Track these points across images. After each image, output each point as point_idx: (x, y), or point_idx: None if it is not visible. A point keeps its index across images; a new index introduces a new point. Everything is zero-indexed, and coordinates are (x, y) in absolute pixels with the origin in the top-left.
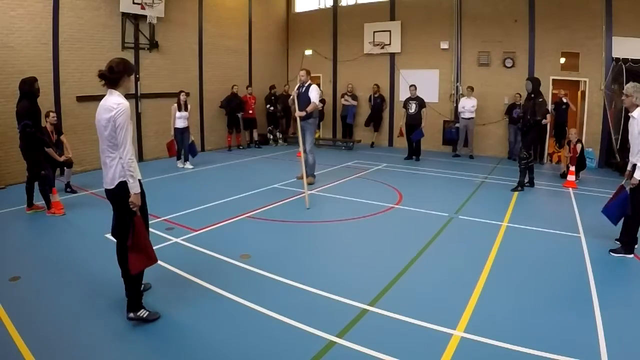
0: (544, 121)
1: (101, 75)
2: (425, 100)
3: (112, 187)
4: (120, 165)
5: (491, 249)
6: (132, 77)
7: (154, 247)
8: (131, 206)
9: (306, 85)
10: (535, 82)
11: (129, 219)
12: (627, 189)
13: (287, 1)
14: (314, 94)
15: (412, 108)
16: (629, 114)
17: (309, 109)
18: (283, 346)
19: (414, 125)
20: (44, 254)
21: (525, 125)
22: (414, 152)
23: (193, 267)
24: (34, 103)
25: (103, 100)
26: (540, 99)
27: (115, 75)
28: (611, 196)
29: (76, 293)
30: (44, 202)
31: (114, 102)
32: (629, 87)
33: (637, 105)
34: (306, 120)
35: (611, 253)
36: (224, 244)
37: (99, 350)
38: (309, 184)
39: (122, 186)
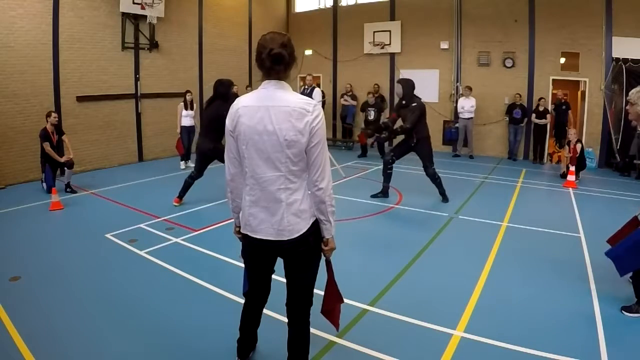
0: (543, 121)
1: (278, 57)
2: (426, 100)
3: (296, 235)
4: (308, 198)
5: (491, 249)
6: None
7: (154, 247)
8: (327, 255)
9: (310, 87)
10: (407, 85)
11: (312, 274)
12: None
13: (287, 1)
14: (317, 96)
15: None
16: (638, 130)
17: None
18: (283, 346)
19: None
20: (44, 254)
21: (401, 134)
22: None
23: (193, 267)
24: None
25: (270, 99)
26: (414, 104)
27: (293, 58)
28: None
29: (76, 293)
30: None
31: (304, 102)
32: (634, 93)
33: None
34: None
35: (624, 312)
36: (224, 244)
37: (98, 350)
38: None
39: (314, 229)
